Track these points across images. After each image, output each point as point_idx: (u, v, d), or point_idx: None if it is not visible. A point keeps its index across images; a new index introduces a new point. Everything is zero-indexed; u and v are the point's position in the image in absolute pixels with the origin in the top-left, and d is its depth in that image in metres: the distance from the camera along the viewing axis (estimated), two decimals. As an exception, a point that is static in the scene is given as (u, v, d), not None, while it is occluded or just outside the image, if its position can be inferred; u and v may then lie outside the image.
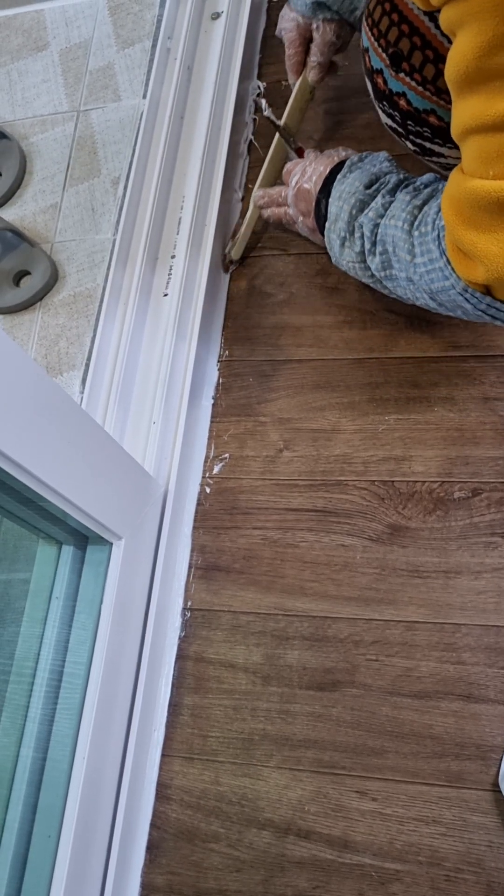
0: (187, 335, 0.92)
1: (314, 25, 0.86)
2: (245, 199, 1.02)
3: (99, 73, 1.16)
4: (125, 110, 1.12)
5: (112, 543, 0.76)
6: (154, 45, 1.14)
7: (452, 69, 0.50)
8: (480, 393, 0.83)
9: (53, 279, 1.02)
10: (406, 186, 0.72)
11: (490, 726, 0.71)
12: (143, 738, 0.76)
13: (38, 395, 0.59)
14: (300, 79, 0.91)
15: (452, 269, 0.62)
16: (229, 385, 0.91)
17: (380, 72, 0.73)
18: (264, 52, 1.11)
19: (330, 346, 0.89)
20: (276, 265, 0.95)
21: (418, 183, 0.72)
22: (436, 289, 0.67)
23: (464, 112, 0.52)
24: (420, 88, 0.70)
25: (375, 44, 0.72)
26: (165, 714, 0.78)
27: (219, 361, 0.93)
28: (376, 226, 0.71)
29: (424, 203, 0.68)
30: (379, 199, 0.72)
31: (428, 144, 0.75)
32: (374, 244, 0.72)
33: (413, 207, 0.68)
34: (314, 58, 0.89)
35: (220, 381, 0.92)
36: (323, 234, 0.82)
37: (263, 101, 0.91)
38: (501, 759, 0.70)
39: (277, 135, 0.93)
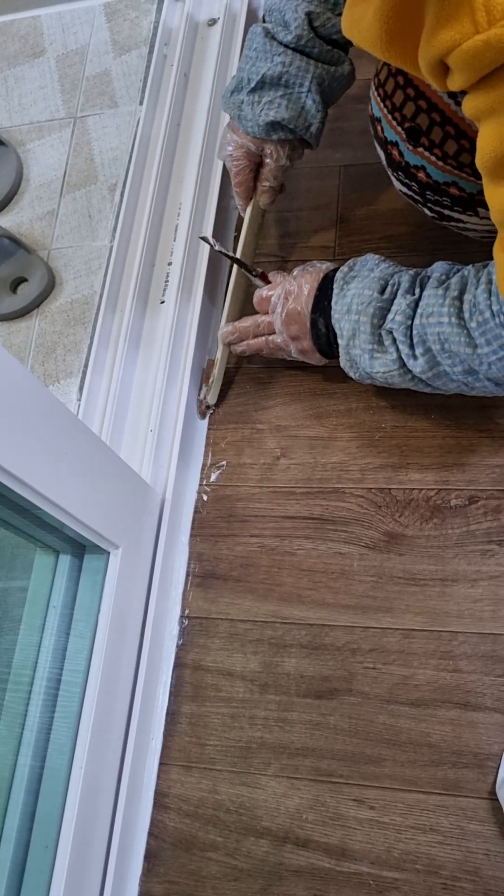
0: (184, 342, 0.92)
1: (266, 150, 0.82)
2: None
3: (96, 79, 1.16)
4: (122, 117, 1.12)
5: (109, 552, 0.76)
6: (151, 52, 1.14)
7: (487, 155, 0.49)
8: (477, 401, 0.83)
9: (50, 286, 1.03)
10: (424, 282, 0.69)
11: (487, 734, 0.71)
12: (140, 746, 0.76)
13: (33, 406, 0.59)
14: (251, 205, 0.88)
15: None
16: (226, 392, 0.91)
17: (395, 144, 0.71)
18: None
19: (327, 353, 0.89)
20: (270, 271, 0.95)
21: (437, 275, 0.69)
22: None
23: (502, 198, 0.51)
24: (441, 163, 0.68)
25: (389, 116, 0.69)
26: (163, 722, 0.78)
27: (216, 369, 0.93)
28: (409, 328, 0.68)
29: (461, 293, 0.65)
30: (401, 301, 0.69)
31: (447, 212, 0.73)
32: (411, 347, 0.68)
33: (451, 300, 0.65)
34: (266, 182, 0.85)
35: (218, 388, 0.92)
36: (325, 354, 0.79)
37: (210, 237, 0.86)
38: (498, 768, 0.70)
39: (235, 267, 0.88)
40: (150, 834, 0.75)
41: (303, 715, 0.76)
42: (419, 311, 0.67)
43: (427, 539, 0.79)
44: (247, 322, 0.85)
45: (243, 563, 0.83)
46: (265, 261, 0.96)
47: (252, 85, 0.78)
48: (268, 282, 0.85)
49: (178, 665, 0.80)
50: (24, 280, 1.03)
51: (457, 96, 0.62)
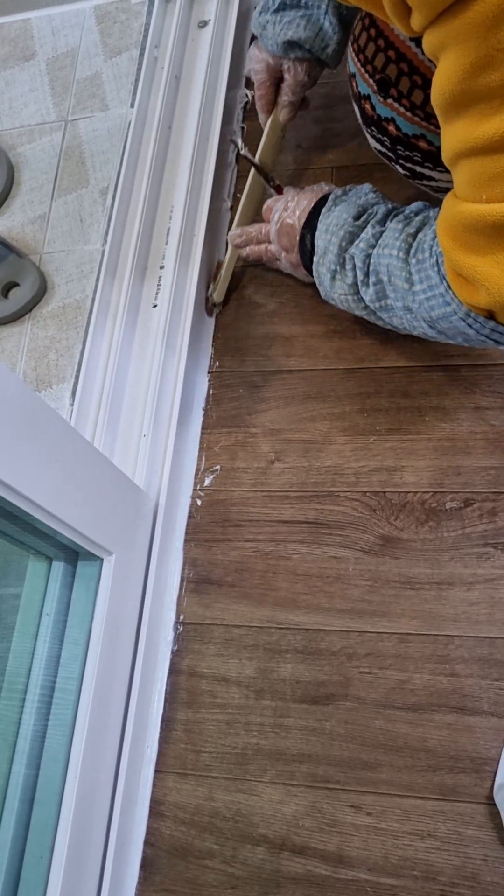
0: (177, 346, 0.91)
1: (285, 66, 0.85)
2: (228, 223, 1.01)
3: (86, 82, 1.16)
4: (113, 119, 1.12)
5: (103, 559, 0.75)
6: (141, 54, 1.14)
7: (438, 94, 0.50)
8: (472, 402, 0.82)
9: (42, 290, 1.02)
10: (396, 216, 0.71)
11: (484, 739, 0.71)
12: (136, 754, 0.76)
13: (24, 413, 0.59)
14: (271, 118, 0.91)
15: (454, 294, 0.62)
16: (220, 396, 0.91)
17: (367, 97, 0.72)
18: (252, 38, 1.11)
19: (320, 356, 0.89)
20: (265, 275, 0.95)
21: (408, 211, 0.71)
22: (436, 316, 0.66)
23: (452, 136, 0.51)
24: (409, 114, 0.69)
25: (362, 69, 0.71)
26: (158, 729, 0.78)
27: (209, 372, 0.93)
28: (368, 256, 0.70)
29: (418, 230, 0.67)
30: (369, 230, 0.71)
31: (418, 168, 0.75)
32: (367, 275, 0.71)
33: (406, 235, 0.67)
34: (286, 97, 0.88)
35: (211, 392, 0.91)
36: (308, 269, 0.81)
37: (240, 140, 0.90)
38: (496, 772, 0.70)
39: (253, 172, 0.92)
40: (146, 842, 0.75)
41: (299, 721, 0.75)
42: (380, 241, 0.70)
43: (422, 542, 0.79)
44: (253, 228, 0.89)
45: (238, 568, 0.82)
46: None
47: (275, 5, 0.81)
48: (281, 193, 0.88)
49: (173, 671, 0.80)
50: (15, 285, 1.02)
51: (422, 43, 0.63)
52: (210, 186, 0.99)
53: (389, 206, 0.74)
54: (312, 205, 0.79)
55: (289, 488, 0.84)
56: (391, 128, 0.72)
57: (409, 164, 0.75)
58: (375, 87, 0.70)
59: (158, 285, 0.97)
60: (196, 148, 1.01)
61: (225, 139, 1.04)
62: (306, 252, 0.80)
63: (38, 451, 0.61)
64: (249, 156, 0.91)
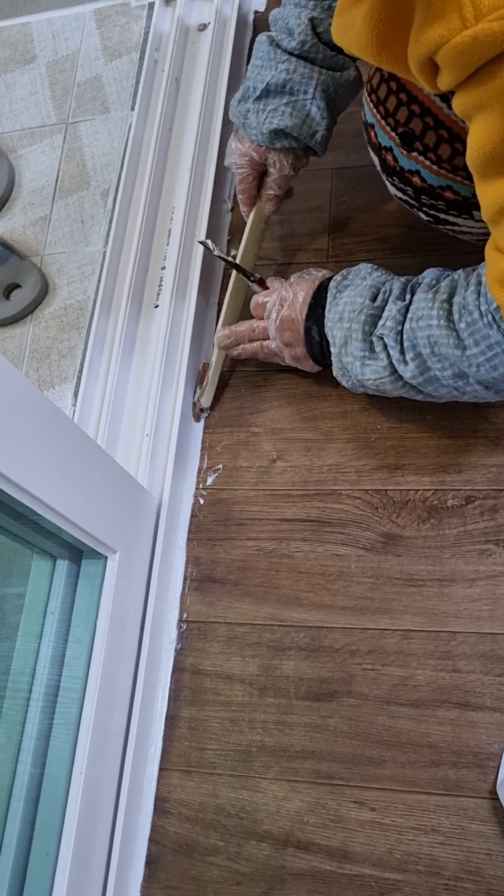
0: (178, 346, 0.92)
1: (270, 159, 0.82)
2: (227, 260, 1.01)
3: (87, 85, 1.16)
4: (113, 122, 1.12)
5: (106, 557, 0.76)
6: (142, 57, 1.15)
7: (476, 153, 0.49)
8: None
9: (44, 292, 1.03)
10: (415, 288, 0.69)
11: (487, 734, 0.71)
12: (140, 751, 0.76)
13: (29, 411, 0.59)
14: (254, 211, 0.88)
15: None
16: (222, 395, 0.91)
17: (389, 149, 0.70)
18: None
19: (321, 355, 0.90)
20: (266, 275, 0.95)
21: (428, 280, 0.69)
22: (499, 375, 0.64)
23: (494, 195, 0.51)
24: (435, 167, 0.67)
25: (383, 122, 0.69)
26: (162, 727, 0.78)
27: (211, 372, 0.93)
28: (399, 333, 0.68)
29: (451, 295, 0.65)
30: (392, 307, 0.69)
31: (442, 216, 0.73)
32: (402, 352, 0.68)
33: (441, 302, 0.65)
34: (271, 191, 0.85)
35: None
36: (318, 361, 0.79)
37: (209, 242, 0.85)
38: (499, 767, 0.70)
39: (234, 272, 0.88)
40: (151, 839, 0.75)
41: (302, 717, 0.75)
42: (409, 315, 0.67)
43: (424, 540, 0.79)
44: (242, 326, 0.85)
45: (241, 567, 0.83)
46: (259, 263, 0.96)
47: (257, 93, 0.78)
48: (265, 287, 0.85)
49: (177, 669, 0.80)
50: (17, 286, 1.03)
51: (448, 100, 0.61)
52: (211, 187, 0.99)
53: (401, 280, 0.71)
54: (311, 295, 0.77)
55: (291, 487, 0.85)
56: (415, 179, 0.70)
57: (432, 212, 0.73)
58: (398, 140, 0.68)
59: (160, 286, 0.98)
60: (196, 149, 1.02)
61: (226, 140, 1.04)
62: (315, 344, 0.77)
63: (43, 449, 0.61)
64: (225, 257, 0.86)
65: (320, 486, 0.84)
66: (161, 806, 0.76)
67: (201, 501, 0.87)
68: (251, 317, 0.85)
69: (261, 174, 0.85)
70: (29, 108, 1.17)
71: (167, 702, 0.79)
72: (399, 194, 0.75)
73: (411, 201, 0.74)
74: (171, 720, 0.78)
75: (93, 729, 0.70)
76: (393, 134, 0.69)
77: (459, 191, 0.68)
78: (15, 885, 0.67)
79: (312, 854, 0.71)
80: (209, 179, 1.00)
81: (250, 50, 1.13)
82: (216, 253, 0.85)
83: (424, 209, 0.74)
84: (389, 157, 0.71)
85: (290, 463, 0.86)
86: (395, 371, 0.70)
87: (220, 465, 0.88)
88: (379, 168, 0.75)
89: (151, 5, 1.17)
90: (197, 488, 0.88)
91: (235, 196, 0.89)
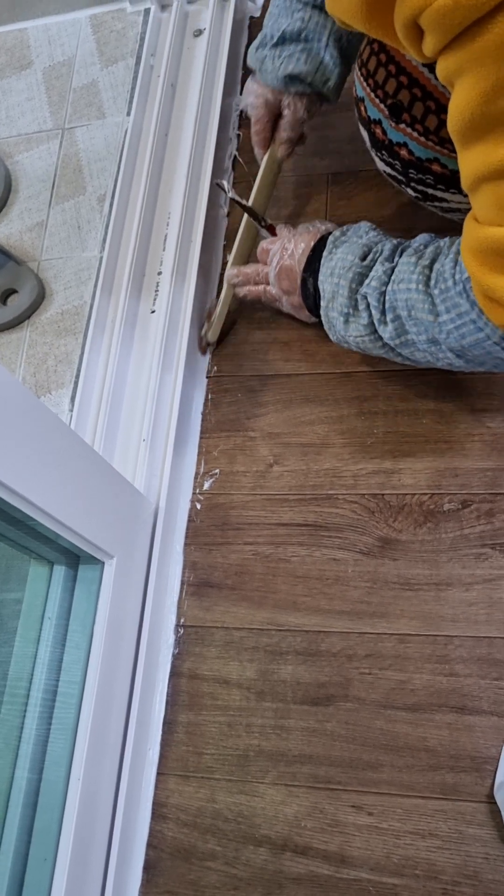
0: (175, 351, 0.92)
1: (284, 101, 0.84)
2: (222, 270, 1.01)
3: (83, 90, 1.17)
4: (110, 127, 1.12)
5: (104, 562, 0.76)
6: (138, 63, 1.15)
7: (456, 118, 0.49)
8: (468, 405, 0.83)
9: (41, 297, 1.03)
10: (404, 250, 0.70)
11: (484, 738, 0.71)
12: (138, 756, 0.76)
13: (26, 417, 0.59)
14: (268, 154, 0.89)
15: (487, 319, 0.61)
16: (218, 401, 0.91)
17: (378, 122, 0.72)
18: (247, 68, 1.12)
19: (318, 360, 0.90)
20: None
21: (417, 244, 0.70)
22: (467, 344, 0.64)
23: (473, 161, 0.51)
24: (422, 139, 0.69)
25: (372, 94, 0.71)
26: (160, 732, 0.78)
27: (207, 377, 0.93)
28: (382, 294, 0.69)
29: (433, 261, 0.66)
30: (378, 268, 0.70)
31: (430, 191, 0.74)
32: (383, 312, 0.69)
33: (422, 268, 0.66)
34: (284, 134, 0.86)
35: (209, 396, 0.92)
36: (312, 312, 0.81)
37: (226, 183, 0.88)
38: (496, 771, 0.70)
39: (246, 215, 0.90)
40: (149, 844, 0.75)
41: (300, 722, 0.76)
42: (393, 277, 0.69)
43: (421, 544, 0.79)
44: (249, 269, 0.87)
45: (238, 571, 0.83)
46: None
47: (274, 40, 0.80)
48: (274, 234, 0.87)
49: (175, 674, 0.80)
50: (14, 291, 1.03)
51: (435, 69, 0.63)
52: (207, 193, 1.00)
53: (394, 242, 0.72)
54: (311, 247, 0.78)
55: (287, 491, 0.85)
56: (403, 152, 0.71)
57: (420, 187, 0.75)
58: (387, 112, 0.70)
59: (156, 291, 0.98)
60: (193, 155, 1.02)
61: (222, 146, 1.05)
62: (309, 295, 0.79)
63: (39, 455, 0.61)
64: (239, 199, 0.88)
65: (317, 491, 0.84)
66: (159, 811, 0.76)
67: (198, 506, 0.87)
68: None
69: (275, 117, 0.87)
70: (25, 113, 1.17)
71: (165, 707, 0.79)
72: (387, 170, 0.76)
73: (399, 177, 0.75)
74: (168, 725, 0.78)
75: (90, 734, 0.71)
76: (382, 106, 0.70)
77: (447, 164, 0.70)
78: (13, 890, 0.67)
79: (310, 858, 0.71)
80: (205, 185, 1.01)
81: (246, 56, 1.13)
82: (230, 195, 0.88)
83: (412, 184, 0.75)
84: (378, 131, 0.72)
85: (286, 467, 0.86)
86: (374, 331, 0.72)
87: (217, 470, 0.88)
88: (368, 143, 0.76)
89: (147, 11, 1.18)
90: (194, 493, 0.88)
91: (235, 159, 0.93)
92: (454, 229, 0.81)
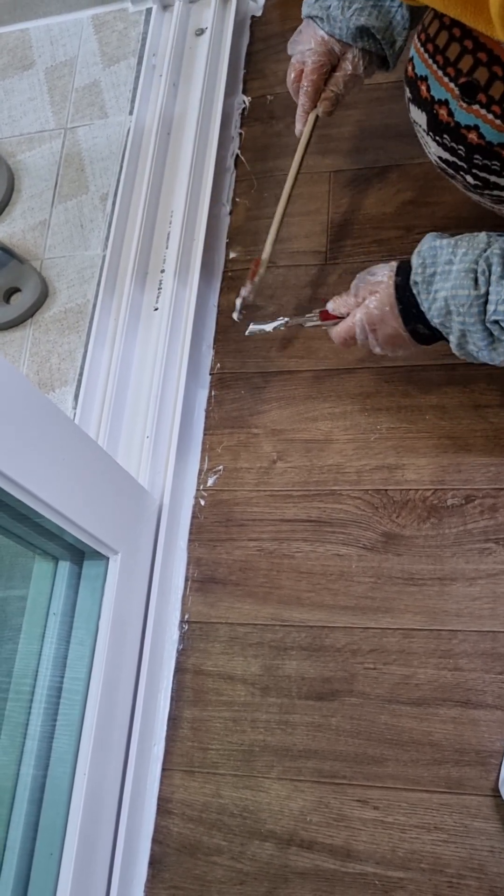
0: (178, 349, 0.92)
1: (349, 55, 0.78)
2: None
3: (85, 90, 1.17)
4: (112, 127, 1.13)
5: (108, 558, 0.76)
6: (139, 62, 1.15)
7: None
8: (471, 400, 0.83)
9: (44, 296, 1.03)
10: None
11: (489, 732, 0.72)
12: (143, 752, 0.76)
13: (32, 412, 0.60)
14: (311, 115, 0.82)
15: None
16: (221, 397, 0.92)
17: (444, 103, 0.67)
18: (249, 68, 1.13)
19: (320, 356, 0.90)
20: (265, 277, 0.95)
21: None
22: None
23: None
24: (498, 122, 0.64)
25: (440, 72, 0.66)
26: (165, 728, 0.78)
27: (210, 374, 0.93)
28: None
29: None
30: (500, 290, 0.63)
31: (493, 178, 0.69)
32: None
33: None
34: (334, 89, 0.80)
35: (213, 393, 0.92)
36: (429, 343, 0.73)
37: (258, 326, 0.84)
38: (501, 764, 0.70)
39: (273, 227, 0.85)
40: (155, 840, 0.75)
41: (304, 717, 0.76)
42: None
43: (425, 539, 0.79)
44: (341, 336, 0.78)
45: (242, 567, 0.83)
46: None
47: None
48: (329, 317, 0.78)
49: (179, 670, 0.80)
50: (17, 290, 1.03)
51: None
52: (209, 191, 1.00)
53: (496, 250, 0.64)
54: (396, 302, 0.70)
55: (291, 487, 0.85)
56: (472, 136, 0.66)
57: (483, 174, 0.69)
58: (458, 93, 0.65)
59: (159, 289, 0.98)
60: (195, 153, 1.03)
61: (224, 144, 1.05)
62: (425, 337, 0.72)
63: (45, 451, 0.62)
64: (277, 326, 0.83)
65: (321, 487, 0.84)
66: (164, 806, 0.76)
67: (202, 502, 0.87)
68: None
69: (329, 71, 0.81)
70: (28, 113, 1.18)
71: (170, 702, 0.79)
72: (446, 155, 0.70)
73: (459, 162, 0.69)
74: (173, 721, 0.79)
75: (95, 730, 0.71)
76: (451, 85, 0.65)
77: None
78: (19, 885, 0.67)
79: (316, 853, 0.71)
80: (207, 183, 1.01)
81: (247, 55, 1.14)
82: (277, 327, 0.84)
83: (474, 171, 0.69)
84: (443, 112, 0.67)
85: (290, 464, 0.86)
86: None
87: (221, 467, 0.88)
88: (425, 127, 0.70)
89: (149, 11, 1.18)
90: (198, 489, 0.88)
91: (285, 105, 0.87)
92: (458, 227, 0.81)
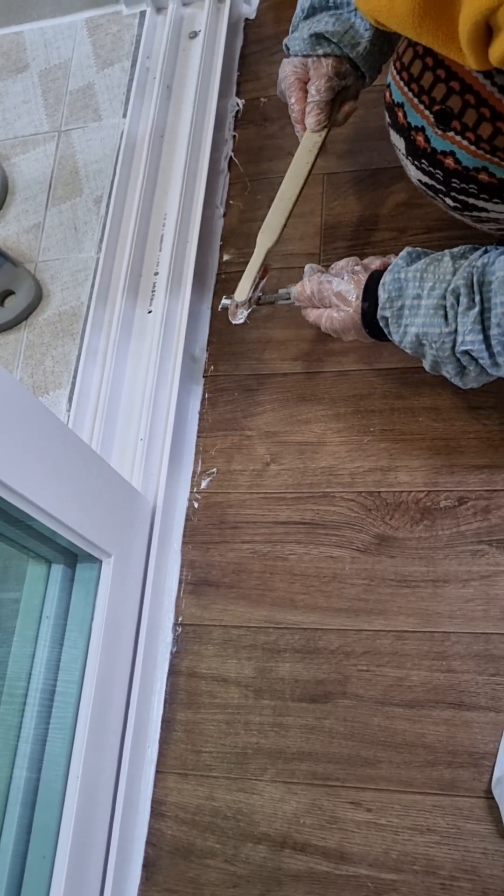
0: (172, 351, 0.92)
1: (311, 63, 0.79)
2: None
3: (79, 93, 1.17)
4: (106, 129, 1.13)
5: (101, 561, 0.76)
6: (133, 65, 1.15)
7: None
8: (464, 402, 0.83)
9: (38, 298, 1.03)
10: (485, 287, 0.63)
11: (481, 733, 0.72)
12: (136, 755, 0.76)
13: (25, 416, 0.60)
14: (306, 136, 0.82)
15: None
16: (215, 400, 0.92)
17: (420, 129, 0.68)
18: (242, 70, 1.13)
19: (314, 359, 0.90)
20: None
21: (501, 275, 0.62)
22: None
23: None
24: (472, 148, 0.65)
25: (415, 100, 0.67)
26: (158, 730, 0.78)
27: (204, 376, 0.94)
28: (484, 341, 0.63)
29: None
30: (466, 321, 0.64)
31: (471, 200, 0.70)
32: (492, 356, 0.64)
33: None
34: (310, 98, 0.81)
35: (206, 396, 0.92)
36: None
37: (243, 308, 0.82)
38: (494, 766, 0.70)
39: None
40: (148, 842, 0.75)
41: (298, 719, 0.76)
42: (494, 321, 0.62)
43: (418, 541, 0.79)
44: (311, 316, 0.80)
45: (235, 570, 0.83)
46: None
47: (304, 13, 0.78)
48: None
49: (173, 672, 0.80)
50: (11, 293, 1.03)
51: (492, 76, 0.58)
52: (203, 193, 1.00)
53: (459, 280, 0.64)
54: (361, 327, 0.72)
55: (285, 490, 0.85)
56: (448, 161, 0.67)
57: (461, 197, 0.70)
58: (433, 120, 0.66)
59: (153, 292, 0.98)
60: (188, 156, 1.03)
61: (218, 147, 1.05)
62: (391, 342, 0.73)
63: (38, 454, 0.62)
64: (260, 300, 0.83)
65: (314, 489, 0.84)
66: (158, 809, 0.76)
67: (196, 505, 0.87)
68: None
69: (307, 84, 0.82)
70: (22, 116, 1.18)
71: (163, 705, 0.79)
72: (424, 178, 0.72)
73: (438, 186, 0.71)
74: (167, 723, 0.79)
75: (89, 732, 0.71)
76: (426, 112, 0.66)
77: (495, 172, 0.66)
78: (12, 888, 0.67)
79: (309, 855, 0.71)
80: (201, 185, 1.01)
81: (241, 57, 1.14)
82: (262, 300, 0.84)
83: (453, 194, 0.71)
84: (420, 138, 0.68)
85: (283, 466, 0.86)
86: (490, 374, 0.67)
87: (215, 469, 0.88)
88: (403, 151, 0.72)
89: (143, 14, 1.18)
90: (191, 492, 0.88)
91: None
92: (451, 229, 0.81)
